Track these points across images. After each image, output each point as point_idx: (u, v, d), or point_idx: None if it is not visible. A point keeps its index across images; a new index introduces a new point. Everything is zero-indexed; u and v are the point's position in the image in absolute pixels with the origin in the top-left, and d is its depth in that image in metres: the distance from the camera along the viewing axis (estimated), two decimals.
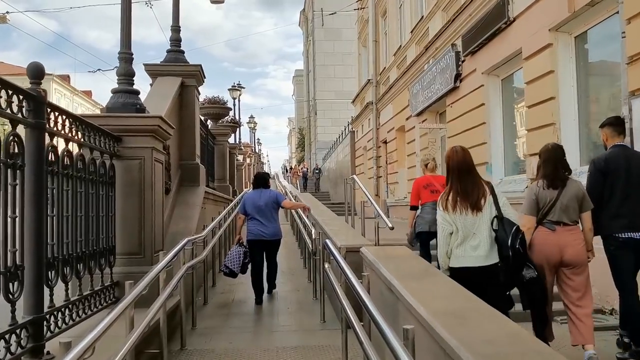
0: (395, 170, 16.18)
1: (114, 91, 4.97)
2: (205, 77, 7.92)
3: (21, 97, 2.97)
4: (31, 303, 3.09)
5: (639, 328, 3.80)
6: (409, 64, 13.95)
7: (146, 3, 19.07)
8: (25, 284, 3.01)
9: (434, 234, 5.42)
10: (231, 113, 16.90)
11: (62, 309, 3.53)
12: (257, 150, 39.87)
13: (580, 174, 5.63)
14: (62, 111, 3.48)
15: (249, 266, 6.56)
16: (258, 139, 44.39)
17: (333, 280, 3.91)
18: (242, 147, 24.89)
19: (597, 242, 4.03)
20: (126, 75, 4.98)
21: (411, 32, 13.81)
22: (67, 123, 3.58)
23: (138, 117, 4.75)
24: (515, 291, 3.57)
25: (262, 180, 6.83)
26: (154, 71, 7.30)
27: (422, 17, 12.92)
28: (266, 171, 8.70)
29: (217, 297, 6.74)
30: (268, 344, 4.79)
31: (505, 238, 3.31)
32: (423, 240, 6.12)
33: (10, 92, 2.86)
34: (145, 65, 7.27)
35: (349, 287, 3.21)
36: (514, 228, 3.36)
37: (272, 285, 6.79)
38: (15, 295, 2.91)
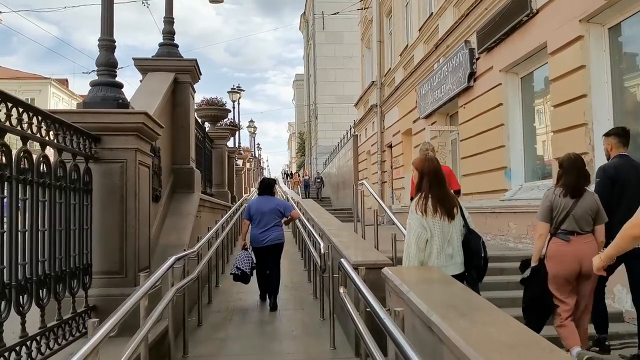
0: (401, 175, 15.49)
1: (93, 83, 4.29)
2: (201, 74, 7.24)
3: None
4: None
5: None
6: (416, 64, 13.32)
7: (143, 2, 18.48)
8: None
9: None
10: (230, 115, 16.23)
11: (17, 348, 2.84)
12: (257, 155, 39.19)
13: None
14: (17, 102, 2.80)
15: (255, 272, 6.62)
16: (258, 144, 43.77)
17: (352, 311, 3.23)
18: (242, 152, 24.20)
19: None
20: (107, 66, 4.30)
21: (419, 30, 13.17)
22: (25, 117, 2.90)
23: (119, 114, 4.07)
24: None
25: (267, 187, 6.83)
26: (144, 66, 6.62)
27: (432, 14, 12.28)
28: (273, 177, 8.18)
29: (213, 316, 6.04)
30: None
31: (479, 247, 3.40)
32: None
33: None
34: (134, 59, 6.60)
35: (371, 317, 2.68)
36: (481, 240, 3.50)
37: (274, 298, 6.40)
38: None
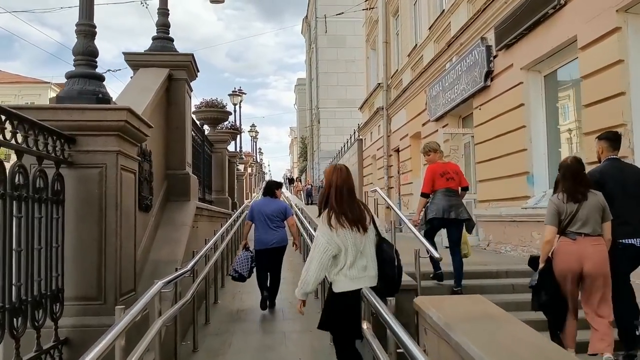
0: (409, 180, 14.82)
1: (69, 75, 3.68)
2: (198, 70, 6.62)
3: None
4: None
5: None
6: (426, 64, 12.69)
7: (141, 2, 17.98)
8: None
9: (446, 221, 5.65)
10: (231, 118, 15.60)
11: None
12: (258, 160, 38.58)
13: None
14: None
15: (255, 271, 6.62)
16: (260, 149, 43.21)
17: (379, 354, 2.58)
18: (243, 156, 23.58)
19: None
20: (86, 55, 3.68)
21: (429, 28, 12.56)
22: None
23: (97, 110, 3.44)
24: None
25: (269, 190, 6.84)
26: (136, 61, 6.00)
27: (443, 11, 11.66)
28: (278, 181, 7.71)
29: (210, 340, 5.38)
30: None
31: (393, 257, 3.23)
32: (434, 227, 5.80)
33: None
34: (125, 54, 5.98)
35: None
36: (394, 248, 3.32)
37: (273, 301, 6.61)
38: None
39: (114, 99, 4.19)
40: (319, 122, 43.05)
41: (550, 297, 3.92)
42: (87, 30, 3.68)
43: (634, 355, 3.96)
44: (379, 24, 17.65)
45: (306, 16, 49.27)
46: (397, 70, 16.20)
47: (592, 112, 6.35)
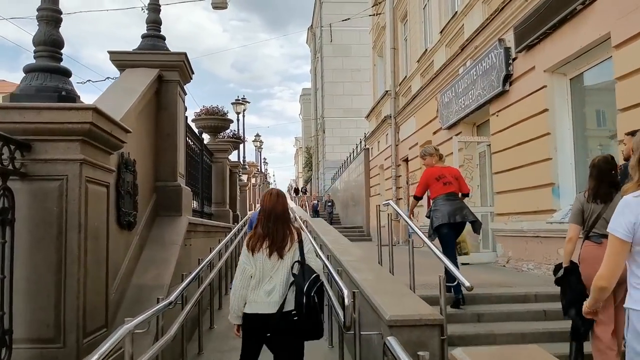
0: None
1: (27, 69, 3.08)
2: (193, 72, 6.02)
3: None
4: None
5: None
6: (437, 69, 12.08)
7: (142, 9, 17.53)
8: None
9: (457, 225, 5.45)
10: (233, 127, 15.02)
11: None
12: (263, 170, 38.00)
13: None
14: None
15: None
16: (264, 159, 42.66)
17: None
18: (247, 166, 22.99)
19: None
20: (48, 45, 3.08)
21: (440, 32, 11.96)
22: None
23: (55, 110, 2.83)
24: None
25: None
26: (122, 61, 5.40)
27: (455, 13, 11.07)
28: (282, 190, 7.00)
29: None
30: None
31: (302, 283, 3.12)
32: (445, 235, 5.43)
33: None
34: (110, 53, 5.38)
35: None
36: (313, 276, 3.18)
37: None
38: None
39: (92, 104, 3.60)
40: (324, 132, 42.56)
41: (577, 295, 3.70)
42: (50, 15, 3.08)
43: None
44: (387, 30, 17.10)
45: (311, 25, 48.96)
46: (405, 76, 15.61)
47: (630, 116, 5.69)
